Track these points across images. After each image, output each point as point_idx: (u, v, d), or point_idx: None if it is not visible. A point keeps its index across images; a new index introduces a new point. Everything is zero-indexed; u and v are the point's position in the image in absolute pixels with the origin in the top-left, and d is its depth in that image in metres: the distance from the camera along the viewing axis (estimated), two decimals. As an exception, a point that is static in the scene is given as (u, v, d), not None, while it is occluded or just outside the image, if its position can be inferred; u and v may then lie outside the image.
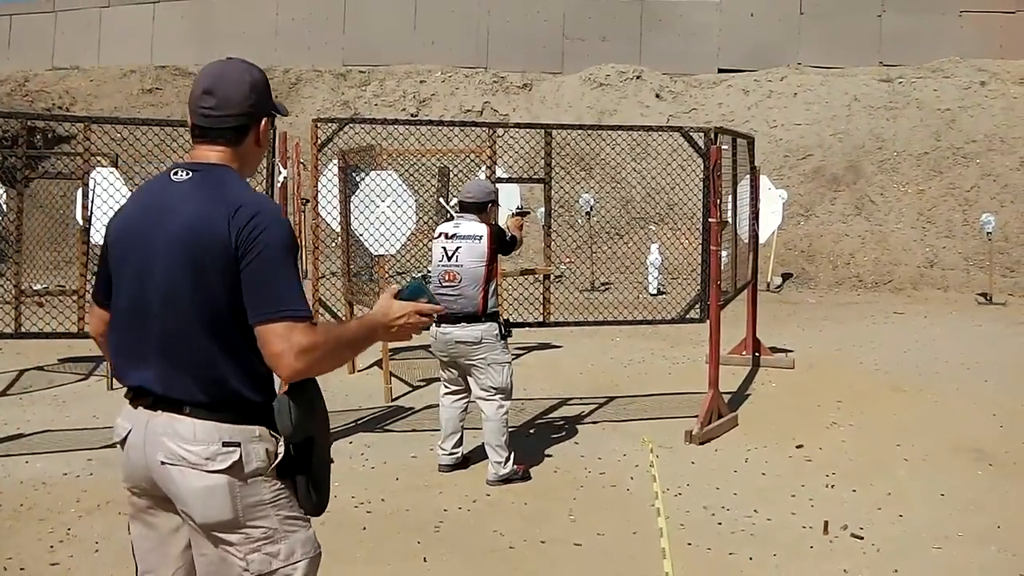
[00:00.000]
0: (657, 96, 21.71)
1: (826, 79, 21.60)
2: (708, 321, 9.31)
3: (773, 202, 12.65)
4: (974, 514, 7.26)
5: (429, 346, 8.15)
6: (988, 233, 17.40)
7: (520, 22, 23.16)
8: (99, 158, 11.00)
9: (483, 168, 10.41)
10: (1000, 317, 15.62)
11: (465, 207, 7.94)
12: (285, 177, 8.28)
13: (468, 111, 21.66)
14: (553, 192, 17.64)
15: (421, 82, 22.48)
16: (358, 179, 9.60)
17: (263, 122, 3.46)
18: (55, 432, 8.88)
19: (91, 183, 8.98)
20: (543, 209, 9.89)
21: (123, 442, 3.38)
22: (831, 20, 22.75)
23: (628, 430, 9.07)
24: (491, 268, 7.71)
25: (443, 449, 7.97)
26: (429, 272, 8.03)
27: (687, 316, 9.62)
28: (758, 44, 22.69)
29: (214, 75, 3.42)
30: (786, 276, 18.22)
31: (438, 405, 8.16)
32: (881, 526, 7.00)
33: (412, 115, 21.46)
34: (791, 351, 12.26)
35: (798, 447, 8.69)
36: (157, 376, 3.28)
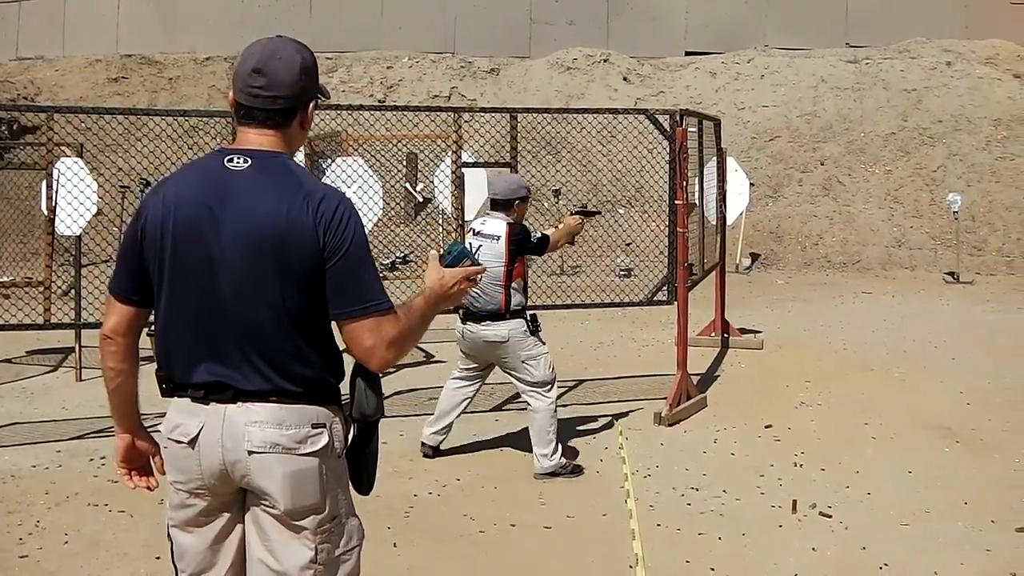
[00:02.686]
0: (625, 79, 21.72)
1: (793, 61, 21.65)
2: (676, 303, 9.31)
3: (740, 183, 12.68)
4: (941, 491, 7.31)
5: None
6: (955, 212, 17.50)
7: (487, 7, 23.12)
8: (63, 148, 10.93)
9: (450, 153, 10.40)
10: (967, 295, 15.73)
11: (493, 204, 7.83)
12: (250, 164, 8.22)
13: (436, 96, 21.61)
14: (526, 177, 17.69)
15: (388, 68, 22.42)
16: (324, 166, 9.56)
17: (310, 105, 3.37)
18: (23, 424, 8.82)
19: (55, 173, 8.90)
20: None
21: (193, 441, 3.25)
22: (798, 2, 22.83)
23: (597, 412, 9.08)
24: (511, 267, 7.53)
25: (431, 428, 7.89)
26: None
27: (655, 298, 9.64)
28: (725, 26, 22.71)
29: (265, 53, 3.28)
30: (755, 257, 18.28)
31: (408, 392, 8.15)
32: (849, 504, 7.03)
33: (379, 101, 21.40)
34: (760, 332, 12.33)
35: (767, 427, 8.72)
36: (237, 370, 3.20)
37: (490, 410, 9.10)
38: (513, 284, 7.53)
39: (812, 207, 19.22)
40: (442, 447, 7.98)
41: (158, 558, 6.00)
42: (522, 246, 7.62)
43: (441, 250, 7.24)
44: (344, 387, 3.39)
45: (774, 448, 8.26)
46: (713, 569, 5.95)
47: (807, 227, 18.92)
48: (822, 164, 19.77)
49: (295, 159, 3.42)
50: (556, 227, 8.19)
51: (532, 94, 21.31)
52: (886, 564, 6.05)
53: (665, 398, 9.01)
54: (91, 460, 7.77)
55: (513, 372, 7.64)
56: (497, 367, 7.84)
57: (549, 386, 7.63)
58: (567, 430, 8.47)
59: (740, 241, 17.98)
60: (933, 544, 6.37)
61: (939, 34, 22.17)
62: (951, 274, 17.24)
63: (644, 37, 22.81)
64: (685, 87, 21.38)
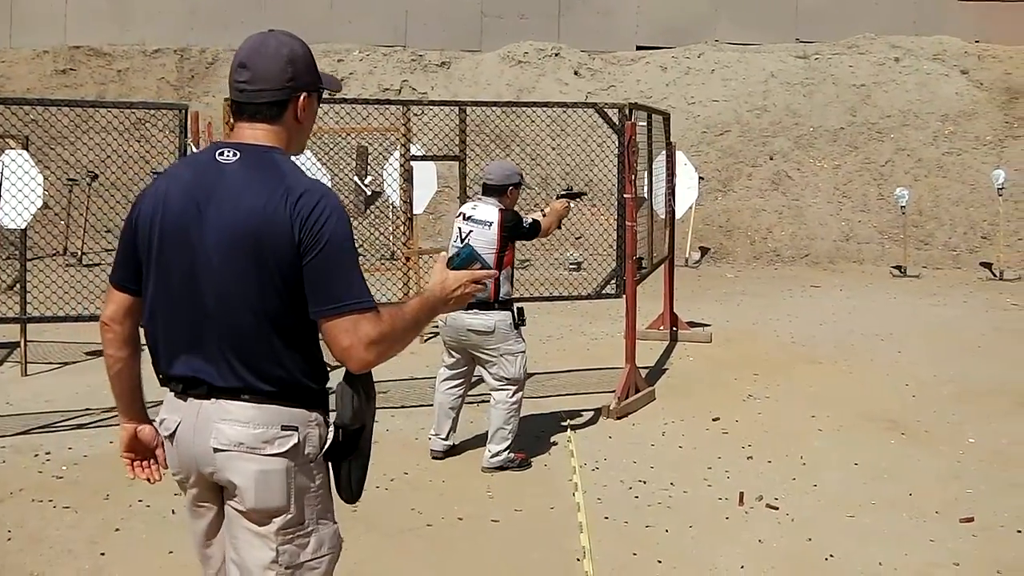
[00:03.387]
0: (575, 73, 21.72)
1: (743, 56, 21.74)
2: (624, 297, 9.32)
3: (689, 177, 12.71)
4: (887, 482, 7.37)
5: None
6: (902, 207, 17.65)
7: (438, 0, 23.07)
8: (9, 140, 10.82)
9: (399, 146, 10.38)
10: (914, 289, 15.86)
11: (486, 189, 7.68)
12: (197, 156, 8.18)
13: (386, 90, 21.53)
14: (475, 170, 17.68)
15: (339, 61, 22.30)
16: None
17: (303, 97, 3.33)
18: (-34, 419, 8.74)
19: (0, 166, 8.81)
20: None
21: (172, 436, 3.30)
22: (747, -3, 22.91)
23: (546, 406, 9.09)
24: (502, 255, 7.40)
25: (438, 436, 7.74)
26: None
27: (603, 291, 9.65)
28: (676, 21, 22.77)
29: (251, 48, 3.30)
30: (704, 251, 18.33)
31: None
32: (796, 496, 7.08)
33: (330, 94, 21.29)
34: (708, 325, 12.37)
35: (715, 420, 8.76)
36: (214, 366, 3.21)
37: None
38: (503, 272, 7.43)
39: (761, 201, 19.31)
40: (455, 446, 7.89)
41: (103, 554, 5.98)
42: (514, 232, 7.53)
43: (450, 250, 7.10)
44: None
45: (722, 440, 8.30)
46: (660, 561, 5.97)
47: (756, 221, 19.02)
48: (771, 158, 19.88)
49: (293, 154, 3.39)
50: (542, 212, 8.08)
51: (483, 87, 21.27)
52: (832, 555, 6.10)
53: (614, 391, 9.03)
54: (35, 456, 7.70)
55: (488, 365, 7.52)
56: None
57: (518, 385, 7.59)
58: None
59: (690, 235, 18.04)
60: (878, 535, 6.42)
61: (888, 30, 22.30)
62: (898, 268, 17.38)
63: (595, 31, 22.84)
64: (636, 81, 21.42)
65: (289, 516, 3.23)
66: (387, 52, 22.53)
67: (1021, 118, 20.10)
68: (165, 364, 3.29)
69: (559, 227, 8.23)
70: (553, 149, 16.90)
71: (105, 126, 10.24)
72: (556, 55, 21.96)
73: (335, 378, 3.30)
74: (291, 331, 3.19)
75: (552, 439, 8.26)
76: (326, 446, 3.32)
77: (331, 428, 3.33)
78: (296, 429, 3.23)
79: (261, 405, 3.19)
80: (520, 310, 7.60)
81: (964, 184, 19.20)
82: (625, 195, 8.99)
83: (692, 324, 12.21)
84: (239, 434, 3.18)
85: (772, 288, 15.80)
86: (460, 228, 7.58)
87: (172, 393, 3.30)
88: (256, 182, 3.17)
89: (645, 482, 7.30)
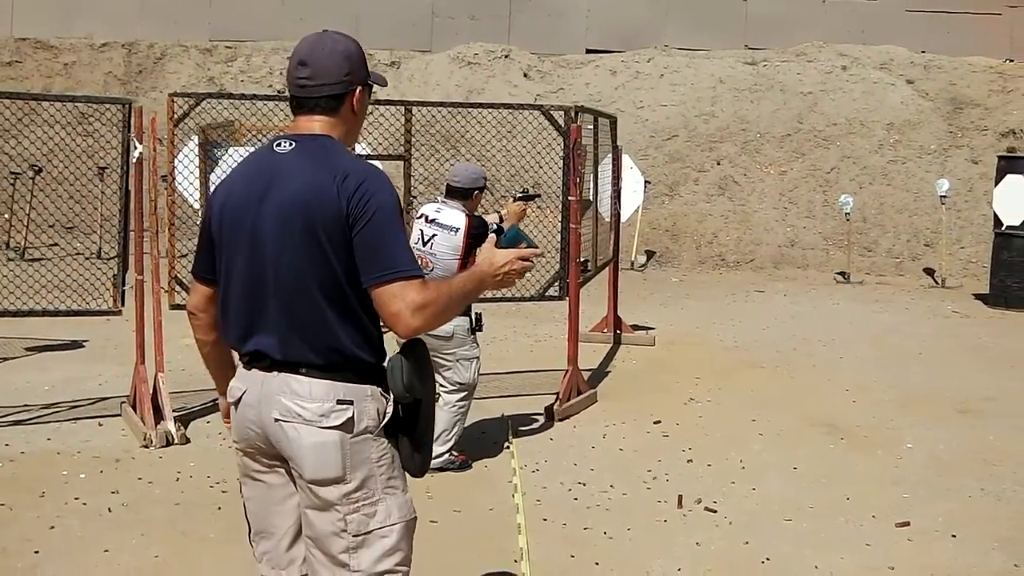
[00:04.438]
0: (525, 75, 21.72)
1: (692, 61, 21.81)
2: (567, 299, 9.32)
3: (634, 181, 12.75)
4: (825, 486, 7.42)
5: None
6: (846, 214, 17.79)
7: (389, 1, 23.00)
8: (-50, 132, 10.70)
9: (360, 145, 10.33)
10: (857, 296, 15.98)
11: (450, 191, 7.50)
12: (140, 153, 8.09)
13: (336, 88, 21.43)
14: (420, 170, 17.62)
15: (288, 58, 22.11)
16: (218, 155, 9.43)
17: (358, 91, 3.55)
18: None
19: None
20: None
21: (237, 402, 3.52)
22: (698, 3, 22.97)
23: (488, 408, 9.05)
24: (466, 261, 7.17)
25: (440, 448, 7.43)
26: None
27: (546, 294, 9.65)
28: (626, 25, 22.81)
29: (309, 47, 3.53)
30: (650, 255, 18.40)
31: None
32: (735, 499, 7.10)
33: (279, 91, 21.14)
34: (652, 328, 12.41)
35: (656, 423, 8.78)
36: (275, 341, 3.41)
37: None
38: None
39: (708, 206, 19.38)
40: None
41: (37, 552, 5.91)
42: (481, 240, 7.21)
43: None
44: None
45: (662, 444, 8.32)
46: (597, 563, 5.97)
47: (703, 226, 19.08)
48: (718, 164, 19.95)
49: (348, 145, 3.60)
50: (498, 215, 8.00)
51: (432, 88, 21.22)
52: (768, 559, 6.13)
53: (556, 393, 9.02)
54: (-31, 452, 7.62)
55: (443, 369, 7.41)
56: None
57: (468, 391, 7.58)
58: (457, 424, 8.44)
59: (636, 238, 18.08)
60: (815, 539, 6.45)
61: (836, 39, 22.44)
62: (842, 274, 17.51)
63: (545, 34, 22.84)
64: (585, 84, 21.43)
65: (349, 486, 3.38)
66: (337, 51, 22.43)
67: (965, 128, 20.28)
68: (236, 342, 3.54)
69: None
70: (501, 151, 16.87)
71: (48, 119, 10.16)
72: (506, 57, 21.95)
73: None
74: (345, 305, 3.37)
75: (494, 441, 8.25)
76: (386, 420, 3.46)
77: (390, 402, 3.47)
78: (351, 403, 3.38)
79: (319, 379, 3.37)
80: (478, 316, 7.55)
81: (908, 192, 19.35)
82: (570, 197, 8.98)
83: (636, 327, 12.24)
84: (298, 407, 3.37)
85: (716, 292, 15.87)
86: (423, 231, 7.45)
87: (241, 365, 3.56)
88: (308, 165, 3.40)
89: (585, 484, 7.30)
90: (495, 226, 7.62)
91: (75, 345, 11.12)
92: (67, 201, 14.60)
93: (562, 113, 9.26)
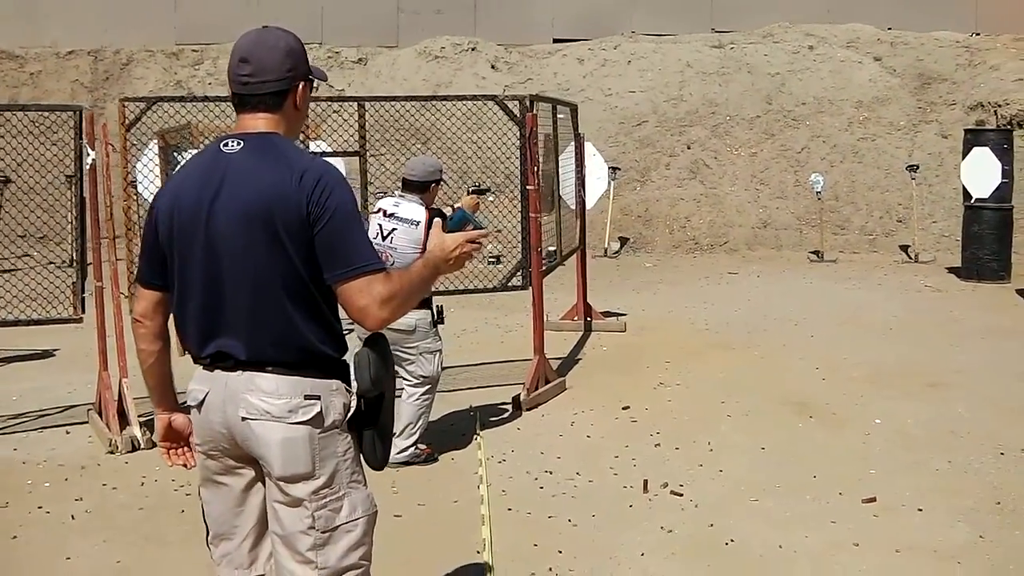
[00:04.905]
0: (492, 67, 21.67)
1: (659, 46, 21.78)
2: (531, 288, 9.30)
3: (598, 168, 12.72)
4: (792, 466, 7.42)
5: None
6: (818, 193, 17.80)
7: (354, -4, 22.94)
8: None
9: (306, 141, 10.29)
10: (830, 274, 15.98)
11: (407, 185, 7.43)
12: (93, 159, 8.05)
13: (303, 87, 21.35)
14: (389, 166, 17.55)
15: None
16: (177, 157, 9.38)
17: (301, 86, 3.54)
18: None
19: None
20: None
21: (200, 405, 3.51)
22: (663, -12, 22.96)
23: (456, 400, 9.03)
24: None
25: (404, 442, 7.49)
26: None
27: (510, 283, 9.62)
28: (592, 13, 22.76)
29: (250, 43, 3.51)
30: (624, 241, 18.38)
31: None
32: (701, 482, 7.10)
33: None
34: (624, 315, 12.39)
35: (624, 408, 8.77)
36: (239, 341, 3.41)
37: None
38: None
39: (679, 190, 19.36)
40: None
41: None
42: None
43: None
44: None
45: (630, 429, 8.30)
46: (560, 551, 5.96)
47: (675, 210, 19.06)
48: (689, 148, 19.93)
49: (294, 140, 3.63)
50: (452, 207, 7.97)
51: (400, 83, 21.16)
52: (732, 539, 6.13)
53: (524, 383, 9.01)
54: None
55: (405, 363, 7.37)
56: None
57: (431, 384, 7.54)
58: (425, 418, 8.41)
59: (608, 225, 18.05)
60: (780, 518, 6.46)
61: (802, 19, 22.42)
62: (816, 253, 17.52)
63: (512, 25, 22.77)
64: (553, 74, 21.38)
65: (317, 481, 3.42)
66: (303, 49, 22.35)
67: (933, 103, 20.30)
68: (196, 347, 3.51)
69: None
70: (470, 143, 16.83)
71: (18, 130, 10.09)
72: (473, 49, 21.90)
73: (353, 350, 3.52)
74: (308, 302, 3.40)
75: (462, 432, 8.22)
76: (350, 414, 3.51)
77: (353, 396, 3.53)
78: (319, 398, 3.42)
79: (285, 376, 3.40)
80: (439, 308, 7.50)
81: (879, 169, 19.36)
82: (528, 187, 8.96)
83: (607, 314, 12.22)
84: (265, 404, 3.38)
85: (689, 276, 15.87)
86: (381, 225, 7.38)
87: (201, 366, 3.52)
88: (262, 164, 3.38)
89: (551, 472, 7.28)
90: (452, 220, 7.57)
91: (45, 354, 11.08)
92: (35, 211, 14.52)
93: (517, 103, 9.22)
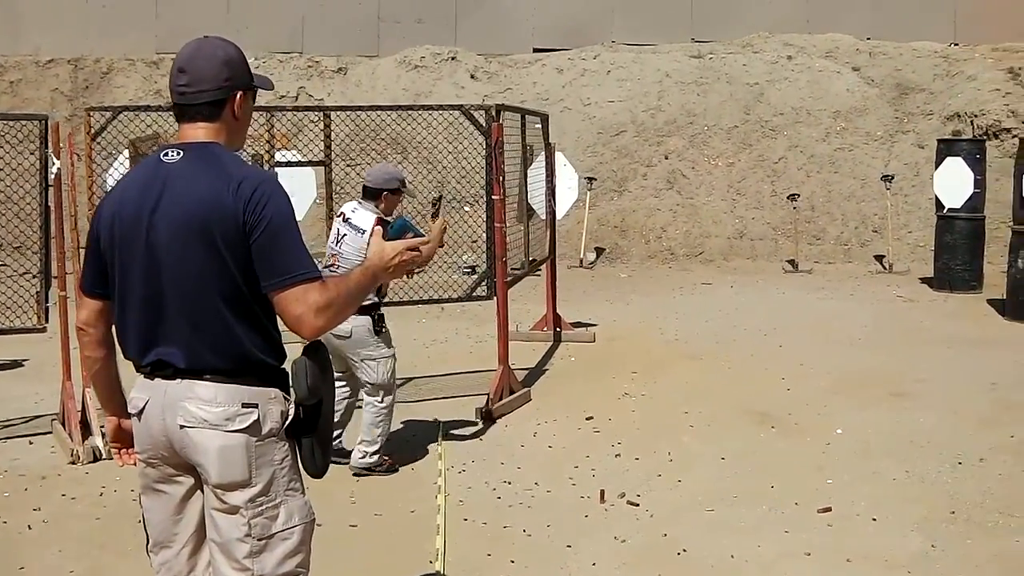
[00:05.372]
0: (472, 77, 21.71)
1: (639, 56, 21.84)
2: (496, 298, 9.33)
3: (569, 178, 12.75)
4: (750, 475, 7.46)
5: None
6: (793, 203, 17.89)
7: (335, 6, 22.92)
8: None
9: (282, 152, 10.33)
10: (804, 284, 16.03)
11: (364, 192, 7.47)
12: (59, 168, 8.07)
13: (283, 96, 21.38)
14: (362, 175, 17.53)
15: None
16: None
17: (239, 96, 3.58)
18: None
19: None
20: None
21: (140, 413, 3.54)
22: (643, -1, 23.03)
23: (421, 410, 9.06)
24: None
25: None
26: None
27: (474, 294, 9.66)
28: (572, 23, 22.81)
29: (188, 54, 3.59)
30: (600, 252, 18.40)
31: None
32: (659, 492, 7.14)
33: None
34: (594, 325, 12.41)
35: (588, 419, 8.80)
36: (178, 349, 3.44)
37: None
38: None
39: (656, 200, 19.40)
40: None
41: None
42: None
43: (327, 252, 6.96)
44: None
45: (592, 439, 8.34)
46: (513, 561, 6.00)
47: (651, 220, 19.10)
48: (666, 158, 19.98)
49: (234, 150, 3.64)
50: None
51: (380, 93, 21.19)
52: (685, 549, 6.16)
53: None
54: None
55: (355, 368, 7.42)
56: None
57: (385, 391, 7.46)
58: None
59: (584, 236, 18.08)
60: (735, 528, 6.50)
61: (781, 29, 22.49)
62: (790, 263, 17.57)
63: (492, 35, 22.82)
64: (532, 84, 21.44)
65: (254, 489, 3.45)
66: (283, 59, 22.38)
67: (910, 113, 20.38)
68: (136, 353, 3.54)
69: (441, 244, 7.57)
70: (450, 154, 16.86)
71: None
72: (453, 59, 21.94)
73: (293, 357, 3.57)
74: (246, 311, 3.43)
75: (423, 442, 8.25)
76: (287, 422, 3.54)
77: (291, 404, 3.57)
78: (256, 406, 3.46)
79: (223, 384, 3.43)
80: (379, 316, 7.43)
81: (855, 179, 19.43)
82: (493, 196, 9.00)
83: (578, 324, 12.25)
84: (203, 412, 3.41)
85: (663, 287, 15.89)
86: (338, 229, 7.46)
87: (142, 375, 3.56)
88: (201, 174, 3.43)
89: (510, 483, 7.32)
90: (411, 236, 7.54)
91: (14, 364, 11.07)
92: (12, 220, 14.52)
93: (483, 112, 9.26)
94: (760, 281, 16.30)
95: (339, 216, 7.58)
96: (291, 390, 3.60)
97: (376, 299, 7.35)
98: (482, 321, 12.66)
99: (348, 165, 18.33)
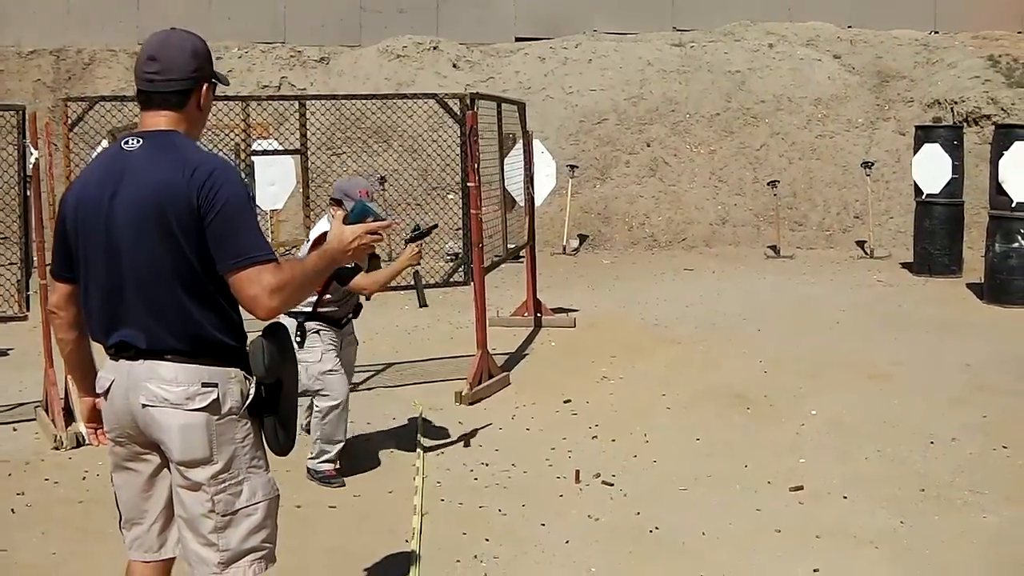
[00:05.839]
0: (454, 66, 21.76)
1: (620, 45, 21.91)
2: (472, 284, 9.41)
3: (547, 165, 12.84)
4: (724, 456, 7.56)
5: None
6: (773, 189, 18.00)
7: (317, -5, 23.01)
8: None
9: (260, 141, 10.40)
10: (785, 269, 16.14)
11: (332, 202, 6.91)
12: (37, 158, 8.14)
13: (265, 87, 21.39)
14: (352, 164, 17.67)
15: (217, 59, 21.89)
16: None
17: (204, 87, 3.69)
18: None
19: None
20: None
21: (106, 393, 3.67)
22: (624, -13, 23.08)
23: (402, 395, 9.16)
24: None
25: None
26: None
27: (451, 279, 9.75)
28: (554, 12, 22.88)
29: (158, 42, 3.67)
30: (583, 239, 18.51)
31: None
32: (634, 473, 7.24)
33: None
34: (576, 311, 12.48)
35: (566, 402, 8.89)
36: (139, 331, 3.55)
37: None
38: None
39: (639, 188, 19.50)
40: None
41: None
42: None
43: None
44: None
45: (570, 422, 8.43)
46: (487, 539, 6.10)
47: (634, 207, 19.20)
48: (648, 146, 20.07)
49: (195, 140, 3.74)
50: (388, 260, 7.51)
51: (362, 82, 21.22)
52: (657, 527, 6.27)
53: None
54: None
55: None
56: None
57: (317, 396, 6.99)
58: (369, 413, 8.51)
59: (567, 223, 18.19)
60: (707, 507, 6.60)
61: (763, 17, 22.58)
62: (772, 248, 17.68)
63: (474, 24, 22.88)
64: (515, 72, 21.49)
65: (216, 466, 3.57)
66: (266, 49, 22.40)
67: (891, 100, 20.51)
68: (101, 335, 3.66)
69: (416, 263, 7.10)
70: (432, 142, 16.94)
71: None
72: (435, 48, 21.99)
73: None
74: (203, 293, 3.54)
75: (402, 426, 8.33)
76: (248, 401, 3.65)
77: (252, 384, 3.66)
78: (216, 385, 3.57)
79: (183, 364, 3.54)
80: (300, 324, 6.87)
81: (836, 166, 19.55)
82: (469, 184, 9.09)
83: (559, 310, 12.33)
84: (164, 392, 3.53)
85: (645, 272, 15.97)
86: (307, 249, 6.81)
87: (108, 356, 3.67)
88: (158, 161, 3.53)
89: (487, 464, 7.41)
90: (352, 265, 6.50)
91: (1, 353, 11.14)
92: (16, 210, 14.60)
93: (457, 101, 9.35)
94: (742, 267, 16.40)
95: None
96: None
97: (307, 309, 6.90)
98: (464, 308, 12.71)
99: (333, 155, 18.39)
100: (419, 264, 7.09)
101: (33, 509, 6.71)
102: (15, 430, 8.42)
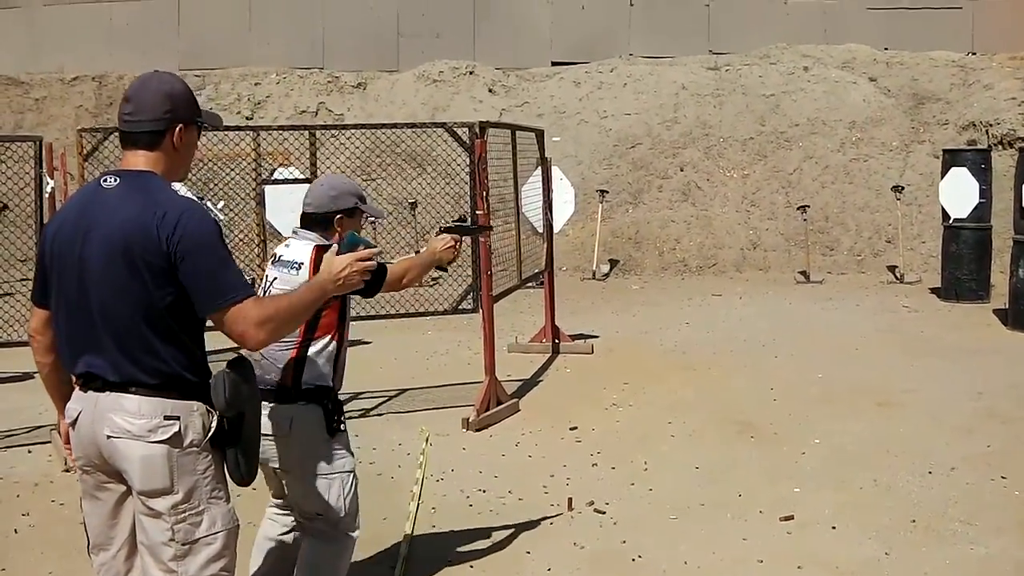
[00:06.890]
0: (490, 91, 21.94)
1: (655, 68, 22.01)
2: (481, 311, 9.51)
3: (565, 192, 12.94)
4: (719, 484, 7.60)
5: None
6: (800, 209, 17.99)
7: (355, 21, 23.24)
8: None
9: (281, 170, 10.55)
10: (813, 295, 16.12)
11: (303, 219, 5.07)
12: (52, 188, 8.36)
13: (303, 112, 21.69)
14: (388, 190, 17.80)
15: (256, 84, 22.42)
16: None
17: (179, 128, 3.81)
18: None
19: None
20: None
21: (74, 423, 3.78)
22: (660, 10, 23.17)
23: (411, 420, 9.26)
24: (317, 315, 4.73)
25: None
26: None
27: (459, 307, 9.85)
28: (589, 36, 23.04)
29: (138, 84, 3.85)
30: (614, 263, 18.57)
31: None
32: (628, 500, 7.29)
33: (247, 118, 21.43)
34: (596, 336, 12.55)
35: (572, 429, 8.96)
36: (105, 363, 3.67)
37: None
38: (313, 345, 4.89)
39: (671, 212, 19.55)
40: None
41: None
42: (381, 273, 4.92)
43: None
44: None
45: (573, 449, 8.50)
46: (472, 566, 6.18)
47: (665, 232, 19.24)
48: (681, 170, 20.13)
49: (173, 181, 3.87)
50: (417, 251, 7.00)
51: (399, 107, 21.46)
52: (639, 556, 6.33)
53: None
54: None
55: (291, 490, 5.10)
56: None
57: (346, 528, 5.14)
58: (376, 439, 8.61)
59: (597, 247, 18.26)
60: (694, 536, 6.64)
61: (799, 40, 22.62)
62: (802, 273, 17.65)
63: (510, 48, 23.08)
64: (549, 97, 21.65)
65: (176, 496, 3.69)
66: (303, 74, 22.69)
67: (926, 123, 20.47)
68: (69, 364, 3.80)
69: (444, 269, 5.56)
70: (465, 167, 17.11)
71: (22, 155, 10.42)
72: (471, 73, 22.18)
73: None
74: (167, 330, 3.67)
75: (407, 452, 8.42)
76: (211, 433, 3.76)
77: (215, 417, 3.78)
78: (178, 418, 3.69)
79: (147, 397, 3.66)
80: (338, 405, 5.02)
81: (870, 189, 19.52)
82: (477, 211, 9.19)
83: (579, 336, 12.41)
84: (127, 423, 3.64)
85: (673, 298, 16.00)
86: (267, 275, 5.10)
87: (77, 386, 3.79)
88: (130, 201, 3.66)
89: (484, 491, 7.49)
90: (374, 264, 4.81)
91: (26, 376, 11.34)
92: (34, 236, 14.85)
93: (466, 129, 9.47)
94: (770, 293, 16.40)
95: (272, 257, 5.20)
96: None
97: (331, 383, 5.01)
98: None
99: (366, 180, 18.60)
100: (453, 260, 5.41)
101: (35, 530, 6.87)
102: (30, 452, 8.61)
